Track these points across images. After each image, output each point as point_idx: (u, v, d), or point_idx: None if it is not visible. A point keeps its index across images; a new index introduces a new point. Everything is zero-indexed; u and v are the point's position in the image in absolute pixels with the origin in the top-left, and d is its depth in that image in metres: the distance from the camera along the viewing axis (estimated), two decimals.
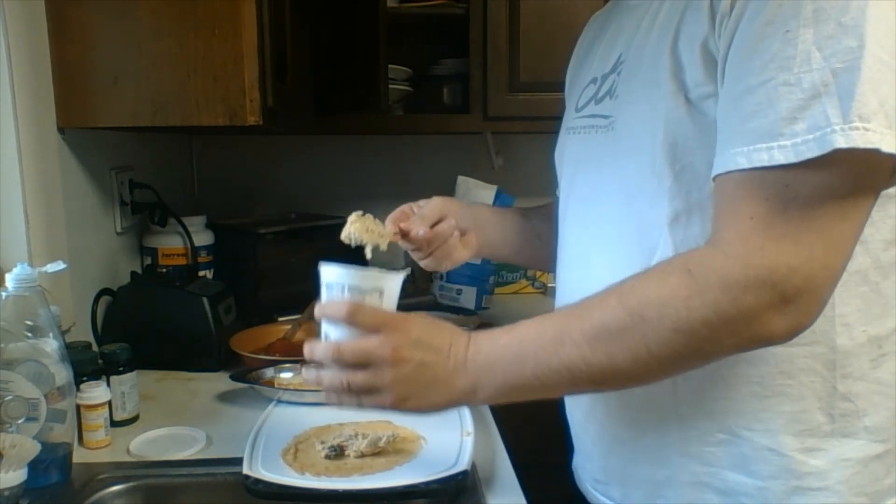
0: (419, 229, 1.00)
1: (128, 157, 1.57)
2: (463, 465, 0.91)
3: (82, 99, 1.23)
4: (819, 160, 0.62)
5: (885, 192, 0.70)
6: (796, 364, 0.76)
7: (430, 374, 0.75)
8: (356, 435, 0.98)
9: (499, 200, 1.85)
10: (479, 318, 1.68)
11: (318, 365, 0.78)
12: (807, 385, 0.76)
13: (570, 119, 0.97)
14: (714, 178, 0.70)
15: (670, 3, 0.78)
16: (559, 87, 1.12)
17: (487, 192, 1.86)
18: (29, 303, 0.90)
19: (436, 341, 0.76)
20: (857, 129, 0.62)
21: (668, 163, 0.76)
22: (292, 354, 1.34)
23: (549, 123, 1.15)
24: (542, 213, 1.13)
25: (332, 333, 0.79)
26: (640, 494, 0.86)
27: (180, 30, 1.18)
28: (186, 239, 1.60)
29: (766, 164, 0.64)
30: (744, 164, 0.66)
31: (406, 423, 1.04)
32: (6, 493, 0.81)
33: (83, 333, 1.33)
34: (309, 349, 0.79)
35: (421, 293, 1.91)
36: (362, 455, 0.95)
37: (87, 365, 1.06)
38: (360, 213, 0.92)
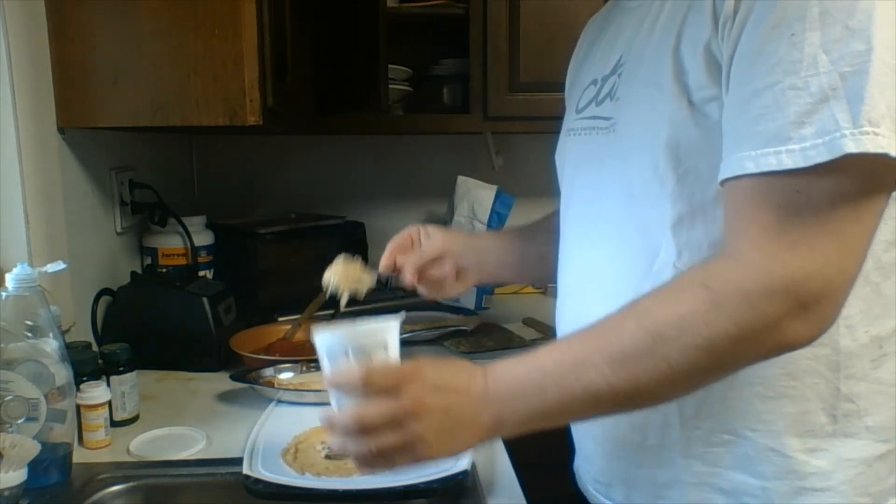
0: (409, 275, 1.08)
1: (128, 157, 1.57)
2: (463, 465, 0.91)
3: (82, 99, 1.22)
4: (829, 165, 0.62)
5: None
6: (800, 366, 0.76)
7: (455, 415, 0.72)
8: None
9: (499, 200, 1.85)
10: (479, 318, 1.67)
11: (342, 434, 0.74)
12: (810, 386, 0.76)
13: (570, 120, 0.97)
14: (721, 183, 0.70)
15: (671, 5, 0.78)
16: (559, 87, 1.12)
17: (487, 192, 1.86)
18: (29, 303, 0.90)
19: (454, 382, 0.74)
20: (868, 133, 0.61)
21: (671, 165, 0.76)
22: (292, 354, 1.34)
23: (549, 123, 1.15)
24: (545, 228, 1.11)
25: (344, 399, 0.75)
26: (642, 495, 0.86)
27: (180, 30, 1.18)
28: (186, 239, 1.59)
29: (774, 168, 0.64)
30: (752, 168, 0.65)
31: None
32: (6, 493, 0.81)
33: (83, 333, 1.33)
34: (329, 423, 0.74)
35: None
36: None
37: (87, 365, 1.06)
38: (348, 255, 0.91)
